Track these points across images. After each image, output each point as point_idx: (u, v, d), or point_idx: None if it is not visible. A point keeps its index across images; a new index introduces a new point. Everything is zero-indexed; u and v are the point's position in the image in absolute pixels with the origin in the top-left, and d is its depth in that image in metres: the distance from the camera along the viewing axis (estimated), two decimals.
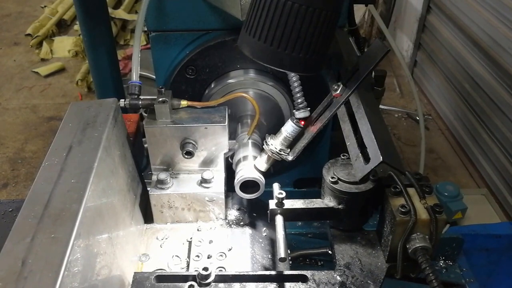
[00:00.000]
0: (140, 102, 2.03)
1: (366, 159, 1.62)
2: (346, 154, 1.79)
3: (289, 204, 1.77)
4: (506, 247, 2.39)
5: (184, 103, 2.03)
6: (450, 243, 2.06)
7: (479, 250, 2.35)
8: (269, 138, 1.98)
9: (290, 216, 1.77)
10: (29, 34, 7.12)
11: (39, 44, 6.98)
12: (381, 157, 1.53)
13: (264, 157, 1.99)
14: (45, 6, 8.13)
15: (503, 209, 3.94)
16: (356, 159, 1.68)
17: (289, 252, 1.73)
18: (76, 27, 7.28)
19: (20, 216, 1.39)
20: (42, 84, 6.24)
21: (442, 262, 2.11)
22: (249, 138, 2.12)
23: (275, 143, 1.95)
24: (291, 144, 1.95)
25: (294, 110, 2.00)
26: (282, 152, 1.94)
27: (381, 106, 5.30)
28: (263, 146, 1.99)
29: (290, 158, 1.96)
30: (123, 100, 2.00)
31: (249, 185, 2.00)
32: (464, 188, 3.33)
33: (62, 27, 7.54)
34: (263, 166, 2.01)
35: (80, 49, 6.66)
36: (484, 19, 4.27)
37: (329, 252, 1.83)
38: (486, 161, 4.38)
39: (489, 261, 2.40)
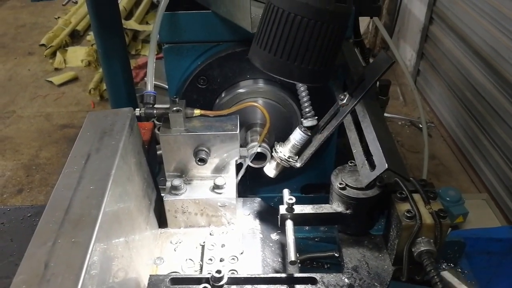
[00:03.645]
0: (154, 112, 2.07)
1: (372, 166, 1.66)
2: (353, 161, 1.83)
3: (299, 209, 1.82)
4: (507, 251, 2.43)
5: (197, 112, 2.08)
6: (452, 246, 2.08)
7: (480, 253, 2.38)
8: (278, 145, 2.05)
9: (300, 220, 1.83)
10: (43, 44, 7.19)
11: (53, 54, 7.06)
12: (386, 165, 1.57)
13: (273, 164, 2.06)
14: (58, 17, 8.22)
15: (503, 214, 3.99)
16: (362, 166, 1.73)
17: (298, 255, 1.78)
18: (89, 37, 7.34)
19: (42, 221, 1.44)
20: (55, 92, 6.32)
21: (445, 265, 2.15)
22: (259, 146, 2.18)
23: (283, 151, 2.02)
24: (299, 151, 2.02)
25: (302, 119, 2.07)
26: (290, 159, 2.01)
27: (385, 114, 5.31)
28: (272, 153, 2.05)
29: (298, 165, 2.03)
30: (138, 109, 2.05)
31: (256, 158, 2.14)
32: (465, 193, 3.36)
33: (75, 37, 7.61)
34: (272, 173, 2.08)
35: (93, 59, 6.73)
36: (485, 30, 4.31)
37: (336, 255, 1.88)
38: (486, 167, 4.42)
39: (490, 264, 2.43)
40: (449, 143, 5.12)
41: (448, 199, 3.13)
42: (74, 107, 5.99)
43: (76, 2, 8.32)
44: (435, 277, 1.49)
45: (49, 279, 1.25)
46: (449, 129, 5.18)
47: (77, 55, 6.96)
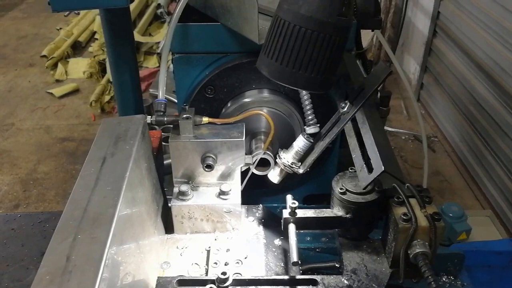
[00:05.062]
0: (165, 119, 2.15)
1: (370, 169, 1.76)
2: (353, 168, 1.93)
3: (301, 213, 1.90)
4: (507, 264, 2.46)
5: (205, 119, 2.16)
6: (452, 259, 2.14)
7: (481, 266, 2.42)
8: (281, 152, 2.14)
9: (302, 224, 1.91)
10: (44, 56, 7.19)
11: (54, 66, 7.03)
12: (382, 167, 1.67)
13: (277, 170, 2.15)
14: (60, 28, 8.22)
15: (507, 230, 3.97)
16: (361, 169, 1.82)
17: (299, 262, 1.86)
18: (91, 48, 7.32)
19: (62, 219, 1.53)
20: (56, 105, 6.28)
21: (445, 277, 2.22)
22: (264, 153, 2.25)
23: (287, 157, 2.11)
24: (302, 158, 2.10)
25: (305, 126, 2.18)
26: (293, 166, 2.10)
27: (388, 128, 5.38)
28: (276, 160, 2.15)
29: (301, 171, 2.11)
30: (150, 116, 2.13)
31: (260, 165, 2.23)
32: (469, 210, 3.35)
33: (77, 49, 7.60)
34: (276, 179, 2.17)
35: (95, 70, 6.69)
36: (488, 44, 4.36)
37: (337, 265, 1.95)
38: (491, 183, 4.42)
39: (492, 278, 2.46)
40: (453, 159, 5.11)
41: (451, 215, 3.12)
42: (75, 119, 5.94)
43: (78, 13, 8.30)
44: (430, 277, 1.57)
45: (71, 270, 1.34)
46: (453, 144, 5.19)
47: (79, 66, 6.93)
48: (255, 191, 2.55)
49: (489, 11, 4.37)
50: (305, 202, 2.83)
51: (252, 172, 2.29)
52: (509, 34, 4.06)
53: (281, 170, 2.13)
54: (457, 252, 2.14)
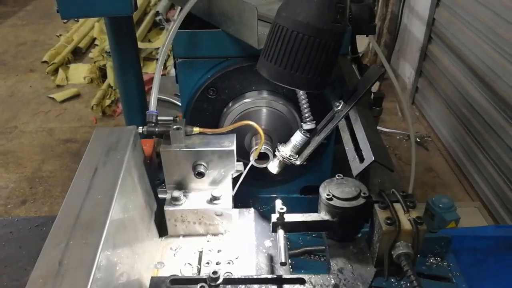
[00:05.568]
0: (156, 130, 2.20)
1: (361, 160, 1.85)
2: (340, 175, 2.00)
3: (289, 217, 1.97)
4: (492, 248, 2.55)
5: (196, 129, 2.21)
6: (439, 242, 2.27)
7: (467, 250, 2.50)
8: (280, 146, 2.28)
9: (290, 227, 1.96)
10: (45, 61, 7.25)
11: (55, 71, 7.09)
12: (373, 157, 1.76)
13: (276, 161, 2.29)
14: (60, 35, 8.29)
15: (495, 221, 4.16)
16: (353, 160, 1.91)
17: (293, 252, 1.91)
18: (91, 54, 7.38)
19: (55, 225, 1.59)
20: (57, 109, 6.36)
21: (433, 259, 2.32)
22: (263, 148, 2.34)
23: (285, 150, 2.25)
24: (299, 151, 2.24)
25: (302, 123, 2.33)
26: (291, 158, 2.24)
27: (384, 129, 5.59)
28: (275, 153, 2.28)
29: (298, 162, 2.25)
30: (141, 127, 2.18)
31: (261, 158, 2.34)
32: (458, 202, 3.46)
33: (77, 54, 7.66)
34: (275, 169, 2.31)
35: (95, 76, 6.74)
36: (481, 49, 4.44)
37: None
38: (481, 179, 4.56)
39: (476, 261, 2.55)
40: (445, 157, 5.25)
41: (441, 206, 3.14)
42: (76, 122, 6.02)
43: (77, 21, 8.36)
44: (412, 276, 1.63)
45: (63, 274, 1.40)
46: (446, 143, 5.30)
47: (79, 72, 6.99)
48: (256, 182, 2.68)
49: (482, 18, 4.45)
50: (302, 192, 2.95)
51: (252, 165, 2.39)
52: (501, 40, 4.14)
53: (280, 161, 2.27)
54: (444, 236, 2.27)
